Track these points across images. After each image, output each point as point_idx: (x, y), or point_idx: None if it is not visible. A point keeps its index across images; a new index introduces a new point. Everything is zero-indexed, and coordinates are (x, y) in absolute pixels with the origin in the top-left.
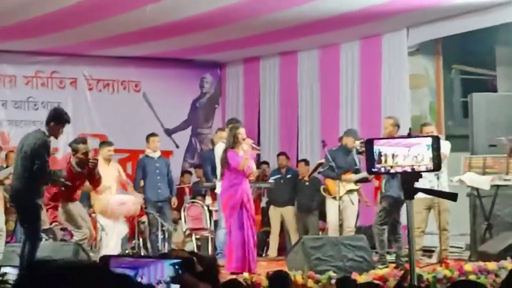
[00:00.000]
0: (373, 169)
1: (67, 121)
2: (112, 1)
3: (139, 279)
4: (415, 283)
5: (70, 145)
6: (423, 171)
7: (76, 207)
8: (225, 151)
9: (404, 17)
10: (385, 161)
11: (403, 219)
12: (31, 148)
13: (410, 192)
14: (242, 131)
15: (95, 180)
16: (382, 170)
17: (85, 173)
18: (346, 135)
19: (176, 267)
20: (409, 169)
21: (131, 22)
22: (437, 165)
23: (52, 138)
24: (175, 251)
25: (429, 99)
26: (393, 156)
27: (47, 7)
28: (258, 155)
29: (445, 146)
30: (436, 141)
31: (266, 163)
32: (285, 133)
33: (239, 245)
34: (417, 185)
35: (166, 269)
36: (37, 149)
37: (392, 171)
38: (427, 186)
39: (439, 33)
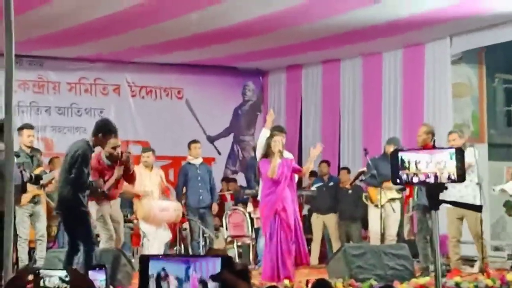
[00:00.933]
0: (397, 179)
1: (115, 132)
2: (157, 9)
3: (192, 273)
4: None
5: None
6: (447, 182)
7: (108, 208)
8: (260, 160)
9: (448, 25)
10: (408, 168)
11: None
12: (71, 156)
13: (435, 203)
14: (277, 140)
15: (130, 175)
16: (405, 177)
17: (117, 167)
18: (388, 143)
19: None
20: (432, 176)
21: (175, 29)
22: (460, 176)
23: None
24: (213, 250)
25: (471, 108)
26: (416, 163)
27: (92, 13)
28: (299, 162)
29: (470, 154)
30: (459, 152)
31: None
32: (327, 141)
33: (268, 255)
34: (445, 195)
35: (217, 266)
36: (76, 159)
37: (415, 179)
38: (457, 196)
39: (483, 42)
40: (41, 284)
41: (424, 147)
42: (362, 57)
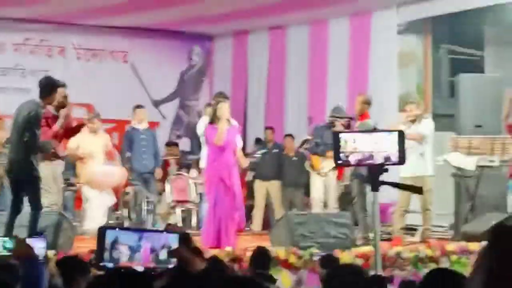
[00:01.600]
0: (339, 159)
1: (62, 85)
2: None
3: (143, 243)
4: (379, 269)
5: None
6: (387, 164)
7: (51, 169)
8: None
9: None
10: (345, 147)
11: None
12: (24, 119)
13: (375, 184)
14: (224, 106)
15: (72, 128)
16: (342, 156)
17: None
18: (332, 112)
19: (177, 240)
20: (369, 155)
21: None
22: (402, 159)
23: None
24: (170, 226)
25: (416, 78)
26: (354, 141)
27: None
28: (244, 129)
29: (426, 126)
30: (401, 135)
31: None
32: (272, 107)
33: (211, 221)
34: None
35: (170, 239)
36: (29, 121)
37: (352, 158)
38: (413, 166)
39: (429, 12)
40: None
41: (362, 116)
42: (308, 24)
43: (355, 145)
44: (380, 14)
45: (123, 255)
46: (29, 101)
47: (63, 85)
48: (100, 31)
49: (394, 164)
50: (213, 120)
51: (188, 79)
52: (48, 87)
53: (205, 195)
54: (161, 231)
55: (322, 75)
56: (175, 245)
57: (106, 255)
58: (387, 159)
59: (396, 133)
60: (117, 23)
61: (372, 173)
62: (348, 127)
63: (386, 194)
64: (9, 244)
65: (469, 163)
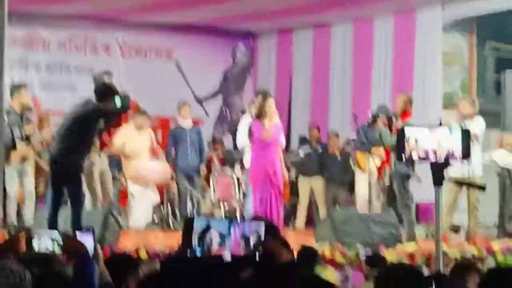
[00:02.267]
0: (402, 155)
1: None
2: None
3: (233, 230)
4: (441, 267)
5: None
6: (452, 160)
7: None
8: (251, 122)
9: None
10: (407, 144)
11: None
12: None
13: (439, 178)
14: (272, 102)
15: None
16: (407, 153)
17: None
18: (376, 111)
19: (262, 229)
20: (432, 153)
21: None
22: (466, 156)
23: None
24: (259, 217)
25: (461, 76)
26: (416, 140)
27: None
28: (288, 127)
29: (477, 125)
30: (466, 132)
31: None
32: (316, 106)
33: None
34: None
35: (260, 227)
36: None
37: (414, 155)
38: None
39: (474, 11)
40: (34, 246)
41: (404, 114)
42: (353, 23)
43: (418, 142)
44: (425, 12)
45: (214, 241)
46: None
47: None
48: (145, 28)
49: (458, 159)
50: (259, 115)
51: (231, 76)
52: (106, 93)
53: (250, 191)
54: (250, 220)
55: (367, 73)
56: (263, 233)
57: (195, 242)
58: (450, 155)
59: (459, 129)
60: (162, 20)
61: (436, 168)
62: (389, 125)
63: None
64: (60, 239)
65: None
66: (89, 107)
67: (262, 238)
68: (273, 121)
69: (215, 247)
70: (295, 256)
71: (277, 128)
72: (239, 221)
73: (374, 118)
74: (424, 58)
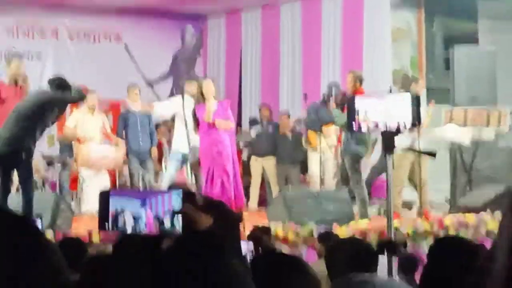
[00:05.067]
0: (352, 126)
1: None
2: None
3: (146, 210)
4: (393, 238)
5: None
6: (403, 128)
7: None
8: (195, 105)
9: None
10: (358, 115)
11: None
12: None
13: (389, 146)
14: (208, 84)
15: None
16: (362, 127)
17: None
18: (328, 89)
19: (180, 197)
20: (382, 124)
21: None
22: (417, 122)
23: None
24: (177, 184)
25: (410, 53)
26: (365, 112)
27: None
28: (239, 108)
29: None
30: (416, 98)
31: None
32: (266, 85)
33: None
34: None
35: (173, 200)
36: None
37: (363, 126)
38: (407, 140)
39: None
40: None
41: (355, 93)
42: (301, 1)
43: (367, 114)
44: None
45: (128, 224)
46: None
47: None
48: (93, 12)
49: (407, 127)
50: (199, 99)
51: (181, 58)
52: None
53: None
54: (165, 192)
55: (316, 52)
56: (179, 205)
57: (109, 223)
58: (401, 123)
59: (409, 95)
60: (110, 3)
61: (386, 137)
62: (341, 104)
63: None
64: None
65: (465, 135)
66: (46, 95)
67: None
68: (212, 102)
69: (129, 230)
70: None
71: (223, 106)
72: (153, 193)
73: (326, 96)
74: (373, 35)
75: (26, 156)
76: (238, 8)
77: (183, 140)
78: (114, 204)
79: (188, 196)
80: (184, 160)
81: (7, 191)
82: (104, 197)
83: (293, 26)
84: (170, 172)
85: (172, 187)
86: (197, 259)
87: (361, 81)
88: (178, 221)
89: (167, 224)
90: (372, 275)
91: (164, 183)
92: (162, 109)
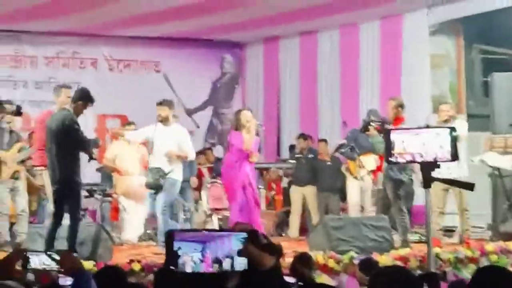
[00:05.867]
0: (390, 158)
1: (93, 101)
2: None
3: (206, 254)
4: (432, 267)
5: None
6: (441, 161)
7: None
8: (228, 132)
9: None
10: (393, 149)
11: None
12: (62, 125)
13: (427, 180)
14: (245, 114)
15: None
16: (399, 159)
17: None
18: (367, 116)
19: (242, 240)
20: (419, 156)
21: (152, 1)
22: (454, 156)
23: None
24: (238, 225)
25: (449, 79)
26: (402, 142)
27: None
28: (278, 135)
29: (462, 127)
30: (453, 131)
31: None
32: (305, 113)
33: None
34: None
35: (233, 243)
36: (69, 125)
37: (400, 159)
38: (447, 167)
39: (460, 13)
40: (29, 265)
41: (396, 120)
42: (339, 29)
43: (404, 146)
44: (411, 16)
45: (187, 265)
46: (59, 110)
47: (93, 102)
48: (131, 42)
49: (446, 161)
50: (237, 127)
51: (220, 87)
52: (84, 96)
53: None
54: (228, 232)
55: (354, 79)
56: (240, 247)
57: (174, 262)
58: (437, 157)
59: (447, 129)
60: (148, 33)
61: (424, 170)
62: (382, 131)
63: (421, 196)
64: (57, 256)
65: (505, 162)
66: (65, 113)
67: (243, 248)
68: (252, 133)
69: (188, 270)
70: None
71: (256, 141)
72: (216, 235)
73: (367, 124)
74: (412, 62)
75: (76, 186)
76: (276, 36)
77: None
78: (177, 244)
79: (252, 238)
80: (151, 186)
81: (59, 223)
82: (170, 237)
83: (332, 53)
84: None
85: (232, 230)
86: None
87: (402, 107)
88: (238, 262)
89: (226, 265)
90: None
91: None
92: (132, 135)
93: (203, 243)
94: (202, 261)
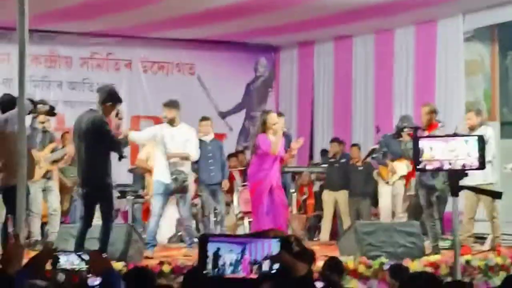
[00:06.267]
0: (419, 165)
1: (121, 101)
2: None
3: (245, 255)
4: (458, 275)
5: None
6: (468, 169)
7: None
8: (255, 135)
9: (460, 2)
10: (422, 155)
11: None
12: (92, 126)
13: (455, 189)
14: (272, 116)
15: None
16: (427, 166)
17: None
18: (401, 122)
19: (279, 245)
20: (446, 164)
21: (187, 4)
22: (482, 164)
23: None
24: (273, 231)
25: (483, 86)
26: (431, 149)
27: None
28: (311, 139)
29: (488, 134)
30: (481, 140)
31: None
32: (339, 118)
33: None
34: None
35: (273, 247)
36: (100, 126)
37: (428, 166)
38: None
39: (495, 19)
40: (59, 265)
41: (430, 126)
42: (374, 34)
43: (432, 153)
44: (446, 22)
45: (226, 267)
46: (87, 111)
47: (121, 101)
48: (166, 44)
49: (474, 169)
50: (264, 129)
51: (254, 90)
52: (113, 97)
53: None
54: (265, 237)
55: (389, 84)
56: (277, 251)
57: (209, 265)
58: (465, 165)
59: (476, 138)
60: (183, 36)
61: (452, 178)
62: (415, 137)
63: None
64: (86, 256)
65: None
66: (94, 114)
67: (276, 254)
68: (279, 135)
69: (228, 273)
70: (322, 266)
71: (283, 144)
72: (253, 238)
73: (400, 129)
74: (446, 68)
75: (107, 187)
76: (311, 40)
77: (165, 170)
78: (212, 247)
79: (285, 244)
80: (167, 191)
81: (89, 223)
82: (203, 241)
83: (366, 58)
84: (155, 210)
85: (266, 235)
86: None
87: (436, 113)
88: (276, 267)
89: (265, 268)
90: None
91: (151, 222)
92: (137, 135)
93: (243, 245)
94: (240, 262)
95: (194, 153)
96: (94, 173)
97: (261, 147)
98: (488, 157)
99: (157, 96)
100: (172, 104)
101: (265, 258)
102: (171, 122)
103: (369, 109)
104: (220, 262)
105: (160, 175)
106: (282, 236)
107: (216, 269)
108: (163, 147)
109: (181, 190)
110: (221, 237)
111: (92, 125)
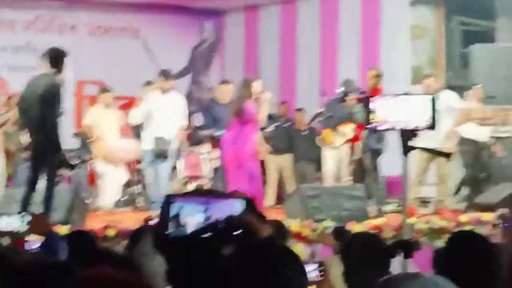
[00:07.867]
0: (369, 126)
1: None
2: None
3: (209, 216)
4: (406, 236)
5: None
6: (419, 129)
7: None
8: (243, 101)
9: None
10: (375, 117)
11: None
12: (42, 94)
13: (406, 148)
14: (258, 84)
15: None
16: (379, 127)
17: None
18: (344, 86)
19: (242, 206)
20: (399, 124)
21: None
22: (432, 125)
23: None
24: (237, 193)
25: (429, 51)
26: (382, 110)
27: None
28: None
29: (451, 97)
30: (433, 100)
31: None
32: (284, 82)
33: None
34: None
35: (236, 207)
36: (57, 90)
37: (382, 126)
38: (429, 138)
39: None
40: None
41: (374, 90)
42: None
43: (384, 114)
44: None
45: (189, 227)
46: (42, 75)
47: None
48: (111, 7)
49: (424, 129)
50: (248, 97)
51: (199, 54)
52: (61, 56)
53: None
54: (228, 197)
55: (333, 48)
56: (239, 212)
57: (170, 226)
58: (417, 125)
59: (428, 97)
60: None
61: (403, 138)
62: (361, 101)
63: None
64: (28, 218)
65: (482, 134)
66: (47, 80)
67: (242, 215)
68: (266, 104)
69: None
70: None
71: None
72: (217, 197)
73: (344, 94)
74: (391, 32)
75: (54, 151)
76: (256, 5)
77: (151, 136)
78: (176, 208)
79: (250, 205)
80: (157, 155)
81: (34, 186)
82: (168, 200)
83: (311, 22)
84: (149, 180)
85: (231, 195)
86: (265, 263)
87: (380, 78)
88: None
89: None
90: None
91: (152, 187)
92: (135, 116)
93: (206, 204)
94: (202, 223)
95: (184, 121)
96: (47, 136)
97: (249, 114)
98: (447, 122)
99: (101, 61)
100: (172, 76)
101: (227, 219)
102: (167, 91)
103: (314, 74)
104: (182, 223)
105: (147, 144)
106: (245, 197)
107: (178, 230)
108: (150, 117)
109: (161, 155)
110: (185, 197)
111: (49, 89)
